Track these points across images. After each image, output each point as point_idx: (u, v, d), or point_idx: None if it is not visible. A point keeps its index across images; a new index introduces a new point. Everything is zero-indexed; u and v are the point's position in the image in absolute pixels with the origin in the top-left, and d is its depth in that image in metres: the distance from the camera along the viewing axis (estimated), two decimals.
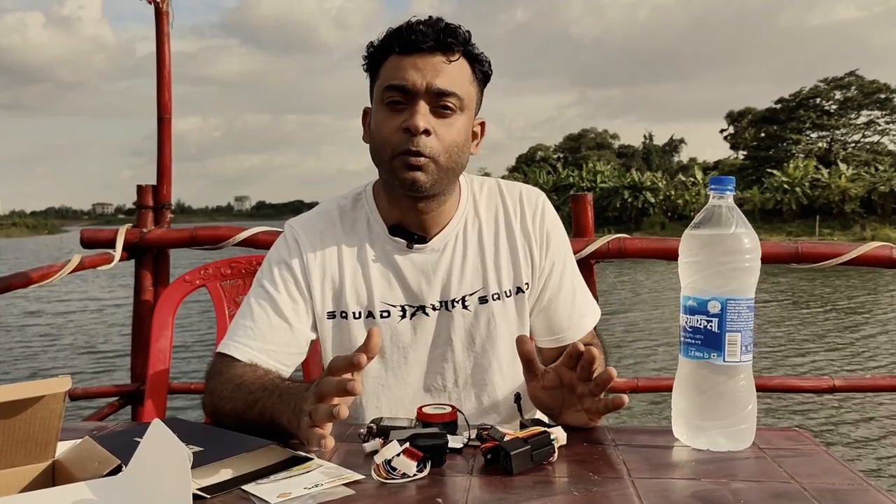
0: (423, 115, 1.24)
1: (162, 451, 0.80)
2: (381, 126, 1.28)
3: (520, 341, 1.17)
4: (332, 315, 1.35)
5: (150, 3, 2.53)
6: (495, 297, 1.37)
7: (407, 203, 1.32)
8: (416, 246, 1.35)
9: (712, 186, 1.09)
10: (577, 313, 1.42)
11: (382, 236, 1.36)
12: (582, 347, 1.10)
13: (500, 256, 1.38)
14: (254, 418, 1.12)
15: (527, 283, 1.39)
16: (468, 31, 1.28)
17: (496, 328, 1.37)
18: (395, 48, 1.26)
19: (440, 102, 1.26)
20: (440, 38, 1.24)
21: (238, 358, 1.28)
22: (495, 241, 1.39)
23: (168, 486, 0.78)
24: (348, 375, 0.98)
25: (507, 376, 1.39)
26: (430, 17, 1.28)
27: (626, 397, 1.08)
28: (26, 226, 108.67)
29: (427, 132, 1.24)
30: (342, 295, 1.35)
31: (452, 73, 1.26)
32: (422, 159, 1.25)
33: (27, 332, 13.15)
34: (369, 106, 1.36)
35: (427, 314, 1.36)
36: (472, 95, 1.31)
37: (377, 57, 1.30)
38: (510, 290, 1.38)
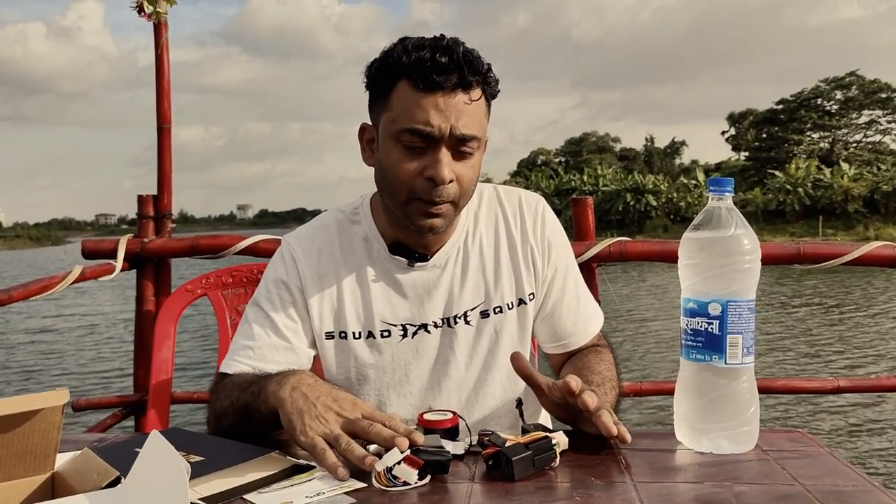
0: (447, 165, 1.19)
1: (160, 462, 0.80)
2: (397, 167, 1.21)
3: (514, 359, 1.15)
4: (330, 335, 1.34)
5: (147, 19, 2.54)
6: (497, 310, 1.35)
7: (411, 229, 1.27)
8: (417, 264, 1.33)
9: (711, 188, 1.09)
10: (581, 318, 1.41)
11: (382, 254, 1.34)
12: (574, 385, 1.06)
13: (500, 268, 1.36)
14: (245, 401, 1.14)
15: (531, 294, 1.37)
16: (488, 63, 1.22)
17: (498, 341, 1.36)
18: (417, 84, 1.17)
19: (461, 147, 1.21)
20: (462, 74, 1.17)
21: None
22: (496, 253, 1.36)
23: (166, 498, 0.78)
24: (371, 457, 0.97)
25: (509, 388, 1.38)
26: (444, 39, 1.19)
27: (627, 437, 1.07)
28: (30, 237, 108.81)
29: (451, 181, 1.21)
30: (342, 314, 1.33)
31: (473, 115, 1.20)
32: (443, 207, 1.22)
33: (39, 347, 13.02)
34: (368, 123, 1.30)
35: (429, 332, 1.34)
36: (486, 128, 1.26)
37: (385, 80, 1.22)
38: (512, 303, 1.36)
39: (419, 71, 1.16)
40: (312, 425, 1.01)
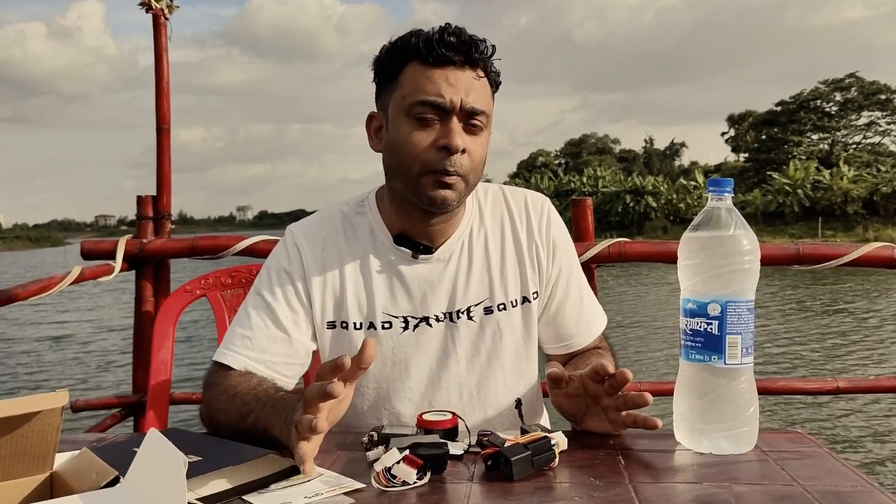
0: (460, 134, 1.22)
1: (158, 461, 0.80)
2: (409, 141, 1.23)
3: (551, 375, 1.17)
4: (331, 325, 1.33)
5: (154, 13, 2.54)
6: (501, 307, 1.35)
7: (418, 215, 1.29)
8: (421, 256, 1.33)
9: (710, 188, 1.09)
10: (584, 319, 1.42)
11: (387, 245, 1.34)
12: (612, 368, 1.10)
13: (506, 266, 1.36)
14: (247, 429, 1.11)
15: (535, 293, 1.37)
16: (492, 45, 1.26)
17: (501, 339, 1.36)
18: (428, 59, 1.21)
19: (471, 121, 1.24)
20: (470, 52, 1.22)
21: (234, 367, 1.27)
22: (501, 249, 1.37)
23: (164, 497, 0.77)
24: (335, 381, 0.93)
25: (511, 387, 1.38)
26: (452, 25, 1.24)
27: (656, 420, 1.09)
28: (29, 239, 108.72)
29: (463, 150, 1.23)
30: (343, 304, 1.33)
31: (481, 91, 1.25)
32: (454, 178, 1.23)
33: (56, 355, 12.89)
34: (375, 111, 1.32)
35: (431, 325, 1.33)
36: (492, 108, 1.29)
37: (394, 63, 1.25)
38: (516, 300, 1.36)
39: (429, 47, 1.21)
40: (291, 444, 0.98)
